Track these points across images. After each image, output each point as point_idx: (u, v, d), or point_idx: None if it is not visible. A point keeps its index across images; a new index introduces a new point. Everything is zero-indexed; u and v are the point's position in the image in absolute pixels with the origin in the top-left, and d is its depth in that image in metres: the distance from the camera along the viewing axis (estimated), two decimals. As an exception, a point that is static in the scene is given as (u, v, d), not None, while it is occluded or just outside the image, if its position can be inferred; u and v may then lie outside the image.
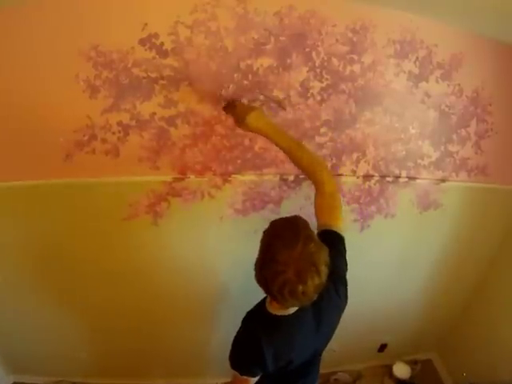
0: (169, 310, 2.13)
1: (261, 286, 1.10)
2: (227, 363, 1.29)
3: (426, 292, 2.57)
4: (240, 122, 1.40)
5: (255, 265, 1.11)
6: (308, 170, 1.40)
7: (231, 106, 1.49)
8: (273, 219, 1.17)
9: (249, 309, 1.35)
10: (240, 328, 1.31)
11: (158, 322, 2.16)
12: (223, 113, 1.56)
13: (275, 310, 1.24)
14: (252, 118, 1.36)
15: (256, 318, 1.30)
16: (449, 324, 2.83)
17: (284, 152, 1.41)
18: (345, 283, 1.33)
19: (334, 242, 1.27)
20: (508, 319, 2.36)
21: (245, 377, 1.28)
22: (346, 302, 1.34)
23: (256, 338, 1.22)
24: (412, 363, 2.84)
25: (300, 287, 1.01)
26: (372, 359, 2.93)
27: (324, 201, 1.35)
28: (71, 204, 1.67)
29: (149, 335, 2.23)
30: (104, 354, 2.32)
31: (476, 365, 2.59)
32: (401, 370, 2.75)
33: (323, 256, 1.05)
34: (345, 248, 1.34)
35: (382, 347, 2.85)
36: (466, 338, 2.76)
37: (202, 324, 2.27)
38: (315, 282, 1.02)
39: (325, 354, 1.51)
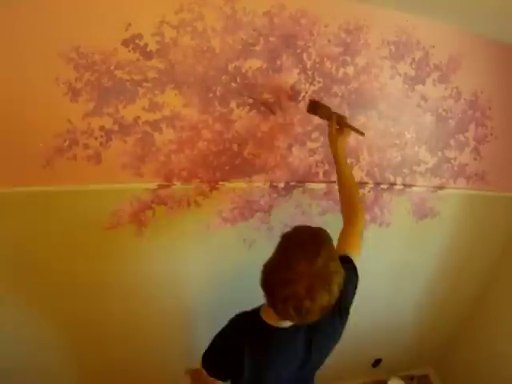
0: (155, 322, 2.05)
1: (264, 290, 1.05)
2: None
3: (423, 304, 2.54)
4: (334, 137, 1.49)
5: (264, 267, 1.05)
6: (352, 206, 1.46)
7: (323, 111, 1.51)
8: (296, 225, 1.14)
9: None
10: (225, 327, 1.25)
11: (141, 334, 2.09)
12: (211, 116, 1.53)
13: (270, 319, 1.17)
14: (344, 142, 1.50)
15: (246, 322, 1.24)
16: (446, 338, 2.81)
17: (339, 180, 1.50)
18: (348, 313, 1.30)
19: (350, 269, 1.27)
20: (508, 333, 2.33)
21: (212, 379, 1.23)
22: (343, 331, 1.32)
23: (239, 343, 1.18)
24: (408, 379, 2.83)
25: (307, 303, 0.96)
26: (366, 375, 2.87)
27: (352, 231, 1.40)
28: (51, 213, 1.59)
29: (129, 348, 2.14)
30: (81, 367, 2.23)
31: (474, 381, 2.56)
32: (396, 386, 2.73)
33: (339, 278, 1.02)
34: (357, 279, 1.32)
35: (377, 362, 2.81)
36: (464, 352, 2.73)
37: (188, 336, 2.20)
38: (324, 301, 0.98)
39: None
